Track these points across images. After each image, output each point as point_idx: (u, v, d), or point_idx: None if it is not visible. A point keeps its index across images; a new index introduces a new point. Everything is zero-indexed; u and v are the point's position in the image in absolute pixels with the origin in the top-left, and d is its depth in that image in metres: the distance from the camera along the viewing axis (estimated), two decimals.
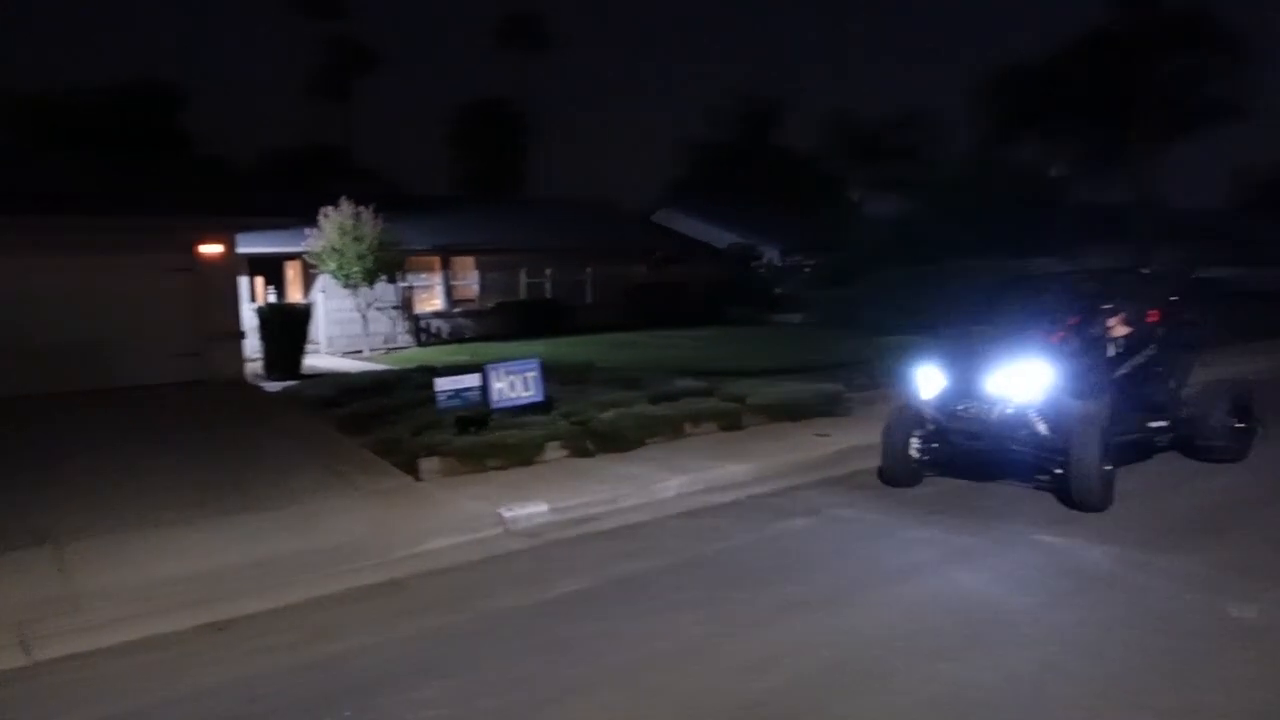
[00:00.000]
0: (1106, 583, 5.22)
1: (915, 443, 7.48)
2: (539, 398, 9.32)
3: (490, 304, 24.29)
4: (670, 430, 9.23)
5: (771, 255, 33.33)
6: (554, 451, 8.50)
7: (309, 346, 17.54)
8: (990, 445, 7.21)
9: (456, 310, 24.14)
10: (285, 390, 13.57)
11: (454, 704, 4.02)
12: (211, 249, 15.02)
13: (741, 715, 3.85)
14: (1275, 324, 19.12)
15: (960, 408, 7.36)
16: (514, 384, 9.24)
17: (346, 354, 20.27)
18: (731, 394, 10.41)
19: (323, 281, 20.39)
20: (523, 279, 25.20)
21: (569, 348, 18.30)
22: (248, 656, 4.61)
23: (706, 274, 28.97)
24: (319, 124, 48.29)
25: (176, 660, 4.63)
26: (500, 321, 23.50)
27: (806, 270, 30.58)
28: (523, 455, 8.28)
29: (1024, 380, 7.05)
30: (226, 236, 15.29)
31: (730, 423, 9.71)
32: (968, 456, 7.42)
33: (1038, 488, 7.09)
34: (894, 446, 7.47)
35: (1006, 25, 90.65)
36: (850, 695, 3.97)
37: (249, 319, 16.87)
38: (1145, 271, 10.56)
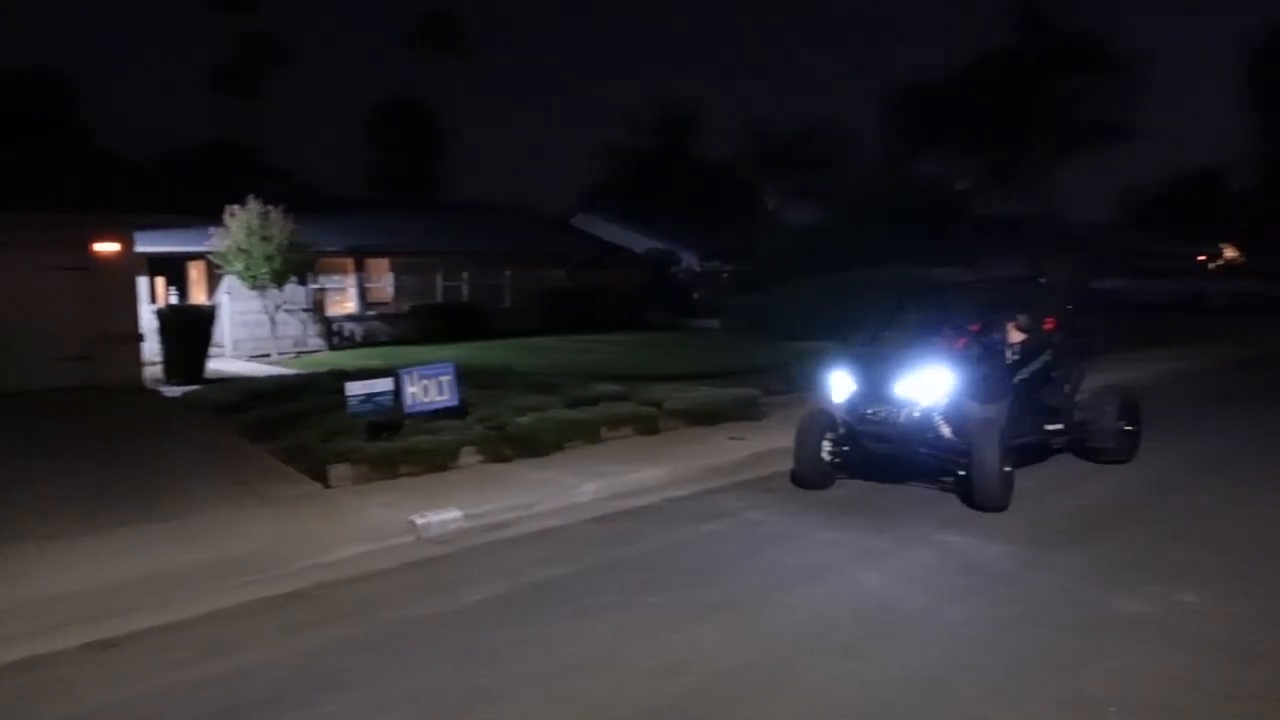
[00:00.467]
0: (1004, 580, 5.42)
1: (827, 446, 7.63)
2: (454, 402, 9.17)
3: (405, 307, 23.82)
4: (587, 435, 9.20)
5: (690, 260, 33.70)
6: (469, 457, 8.37)
7: (213, 350, 16.86)
8: (898, 448, 7.42)
9: (370, 313, 23.59)
10: (186, 395, 13.01)
11: (358, 717, 3.91)
12: (108, 247, 14.32)
13: (653, 719, 3.85)
14: (1159, 333, 20.27)
15: (870, 411, 7.55)
16: (428, 388, 9.06)
17: (253, 358, 19.58)
18: (648, 398, 10.45)
19: (228, 283, 19.65)
20: (439, 282, 24.79)
21: (486, 352, 18.08)
22: (138, 676, 4.38)
23: (625, 279, 29.03)
24: (228, 121, 46.64)
25: (60, 682, 4.36)
26: (415, 325, 23.07)
27: (724, 276, 30.98)
28: (436, 461, 8.13)
29: (929, 385, 7.28)
30: (124, 234, 14.60)
31: (647, 427, 9.74)
32: (877, 459, 7.61)
33: (942, 489, 7.32)
34: (806, 450, 7.60)
35: (917, 42, 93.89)
36: (759, 697, 4.01)
37: (149, 321, 16.15)
38: (1043, 281, 11.04)
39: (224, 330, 19.50)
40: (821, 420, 7.71)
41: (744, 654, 4.45)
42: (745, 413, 10.44)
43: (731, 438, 9.45)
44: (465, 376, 9.88)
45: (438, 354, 14.76)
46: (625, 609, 5.07)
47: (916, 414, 7.32)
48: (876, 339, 8.58)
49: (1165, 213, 51.04)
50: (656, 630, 4.79)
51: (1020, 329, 8.35)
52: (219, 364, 17.50)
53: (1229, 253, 47.11)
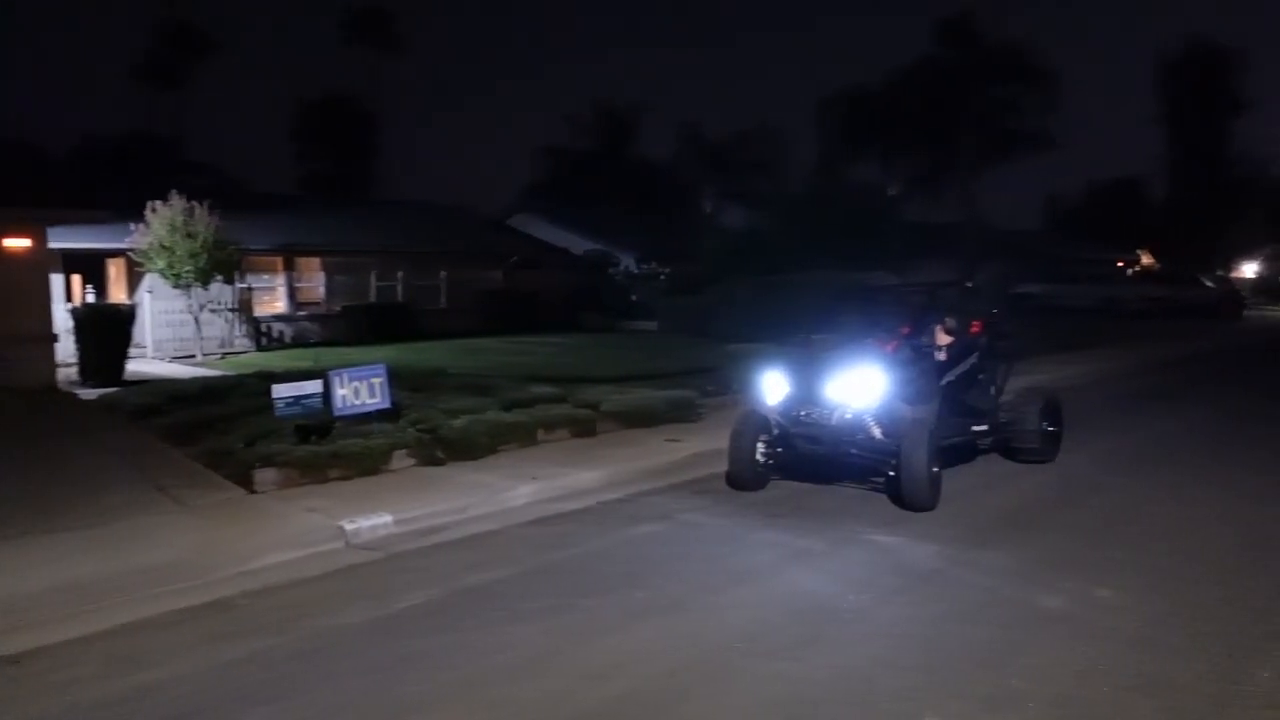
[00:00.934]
0: (933, 578, 5.53)
1: (761, 447, 7.68)
2: (386, 404, 8.98)
3: (337, 307, 23.30)
4: (522, 437, 9.11)
5: (627, 262, 33.68)
6: (401, 460, 8.21)
7: (134, 351, 16.24)
8: (830, 449, 7.52)
9: (301, 313, 23.01)
10: (103, 398, 12.50)
11: None
12: (17, 243, 13.69)
13: None
14: (1080, 336, 21.02)
15: (803, 413, 7.64)
16: (359, 390, 8.85)
17: (177, 359, 18.92)
18: (585, 400, 10.40)
19: (150, 281, 18.96)
20: (373, 282, 24.32)
21: (420, 353, 17.81)
22: (43, 693, 4.17)
23: (562, 280, 28.90)
24: (151, 115, 45.10)
25: None
26: (348, 325, 22.59)
27: (661, 278, 31.06)
28: (367, 465, 7.95)
29: (860, 387, 7.40)
30: (35, 229, 13.97)
31: (583, 429, 9.69)
32: (810, 460, 7.71)
33: (873, 489, 7.45)
34: (741, 451, 7.64)
35: (854, 50, 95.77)
36: (692, 699, 4.01)
37: (63, 320, 15.48)
38: (969, 286, 11.34)
39: (145, 330, 18.81)
40: (755, 422, 7.77)
41: (678, 656, 4.45)
42: (681, 414, 10.48)
43: (668, 439, 9.47)
44: (398, 378, 9.70)
45: (370, 355, 14.48)
46: (559, 613, 5.02)
47: (848, 416, 7.43)
48: (810, 341, 8.69)
49: (1087, 220, 53.07)
50: (591, 634, 4.76)
51: (947, 332, 8.55)
52: (139, 365, 16.88)
53: (1145, 259, 49.18)
